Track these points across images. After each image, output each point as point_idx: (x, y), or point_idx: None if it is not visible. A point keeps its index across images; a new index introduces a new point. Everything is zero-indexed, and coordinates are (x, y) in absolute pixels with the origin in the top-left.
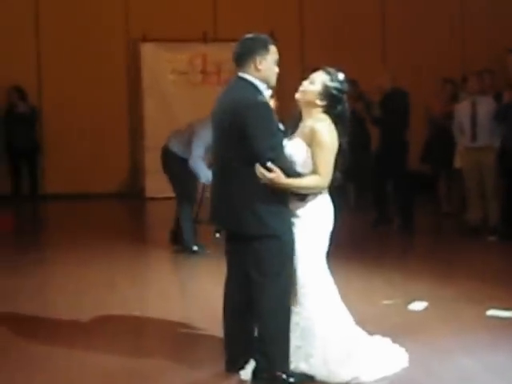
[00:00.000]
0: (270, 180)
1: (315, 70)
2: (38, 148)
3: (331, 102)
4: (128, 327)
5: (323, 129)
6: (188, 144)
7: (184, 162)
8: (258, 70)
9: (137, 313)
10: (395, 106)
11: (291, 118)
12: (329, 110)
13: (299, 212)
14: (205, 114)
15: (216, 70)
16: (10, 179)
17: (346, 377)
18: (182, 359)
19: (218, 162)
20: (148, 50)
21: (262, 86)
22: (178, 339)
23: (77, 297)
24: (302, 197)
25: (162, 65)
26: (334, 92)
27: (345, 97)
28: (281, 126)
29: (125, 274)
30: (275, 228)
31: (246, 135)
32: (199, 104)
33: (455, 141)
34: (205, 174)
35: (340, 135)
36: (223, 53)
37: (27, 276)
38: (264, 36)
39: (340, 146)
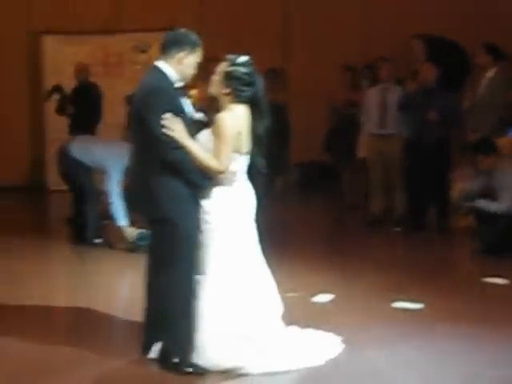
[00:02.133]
0: (174, 132)
1: (221, 61)
2: None
3: (236, 86)
4: (35, 321)
5: (223, 116)
6: (91, 152)
7: (82, 166)
8: (178, 63)
9: (43, 306)
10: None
11: (211, 111)
12: (237, 95)
13: (211, 200)
14: (106, 104)
15: (118, 62)
16: None
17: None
18: (90, 350)
19: (132, 150)
20: (49, 43)
21: (174, 77)
22: (85, 330)
23: None
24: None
25: (63, 57)
26: (236, 75)
27: (252, 78)
28: (200, 116)
29: (29, 268)
30: (170, 213)
31: (142, 119)
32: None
33: (359, 130)
34: (122, 217)
35: (255, 122)
36: (125, 44)
37: None
38: (195, 36)
39: (254, 130)
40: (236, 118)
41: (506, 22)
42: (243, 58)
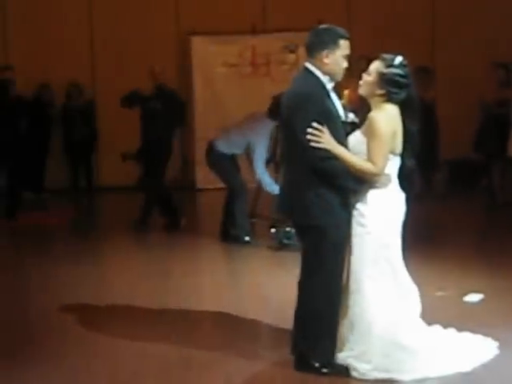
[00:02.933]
0: (322, 142)
1: (373, 59)
2: (95, 142)
3: (391, 88)
4: (184, 316)
5: (377, 117)
6: (235, 143)
7: (231, 158)
8: (324, 63)
9: (192, 302)
10: None
11: (362, 111)
12: (391, 97)
13: (367, 204)
14: (254, 105)
15: (265, 62)
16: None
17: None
18: (237, 349)
19: (284, 154)
20: (198, 44)
21: (324, 79)
22: (233, 329)
23: (132, 286)
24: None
25: (211, 58)
26: (391, 77)
27: (407, 80)
28: (352, 117)
29: (179, 264)
30: (319, 220)
31: (291, 127)
32: (249, 96)
33: (510, 128)
34: (271, 186)
35: (408, 122)
36: (272, 44)
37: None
38: (338, 29)
39: (408, 132)
40: (390, 118)
41: None
42: (399, 59)
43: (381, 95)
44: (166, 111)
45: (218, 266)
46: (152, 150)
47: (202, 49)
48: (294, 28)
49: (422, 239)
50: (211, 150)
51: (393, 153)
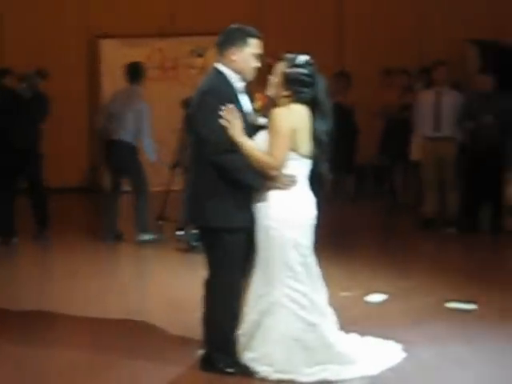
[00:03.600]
0: (230, 124)
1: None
2: None
3: (296, 88)
4: (89, 318)
5: (278, 112)
6: (135, 127)
7: (134, 150)
8: (231, 60)
9: (98, 304)
10: None
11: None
12: (297, 97)
13: (268, 207)
14: (162, 109)
15: (173, 66)
16: None
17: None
18: (144, 350)
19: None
20: (107, 46)
21: (233, 77)
22: (140, 330)
23: (36, 288)
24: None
25: (120, 61)
26: (295, 77)
27: (312, 79)
28: (264, 121)
29: (84, 266)
30: (216, 223)
31: (194, 123)
32: (157, 99)
33: (411, 132)
34: (152, 149)
35: (317, 123)
36: (180, 48)
37: None
38: (249, 29)
39: (316, 133)
40: (292, 114)
41: None
42: (302, 58)
43: (287, 96)
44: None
45: (125, 267)
46: None
47: (111, 51)
48: (202, 32)
49: (329, 241)
50: (115, 145)
51: (296, 152)
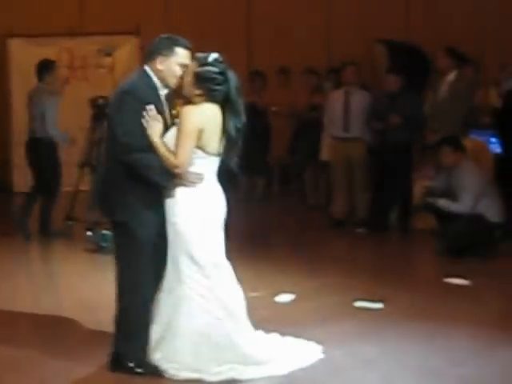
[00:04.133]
0: (149, 126)
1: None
2: None
3: (207, 86)
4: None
5: (185, 110)
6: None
7: (52, 147)
8: (157, 69)
9: (7, 304)
10: None
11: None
12: (209, 96)
13: (174, 203)
14: (71, 108)
15: (82, 65)
16: None
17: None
18: (53, 351)
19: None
20: (15, 46)
21: (158, 84)
22: (50, 331)
23: None
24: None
25: (30, 60)
26: (206, 75)
27: (223, 77)
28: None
29: None
30: (126, 217)
31: (110, 120)
32: (66, 99)
33: (321, 132)
34: (63, 137)
35: (229, 118)
36: (89, 47)
37: None
38: (179, 39)
39: (227, 131)
40: (200, 114)
41: (465, 22)
42: (212, 56)
43: (199, 95)
44: None
45: (34, 268)
46: None
47: (20, 51)
48: (111, 31)
49: (239, 241)
50: (33, 143)
51: (203, 150)
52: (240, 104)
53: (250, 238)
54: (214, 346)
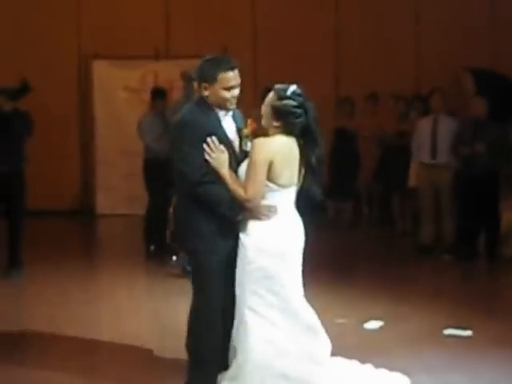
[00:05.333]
0: (213, 158)
1: (269, 90)
2: None
3: (286, 119)
4: (82, 345)
5: (256, 143)
6: None
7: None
8: (205, 92)
9: (90, 329)
10: None
11: None
12: (287, 129)
13: (245, 235)
14: None
15: (168, 88)
16: None
17: None
18: (134, 378)
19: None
20: (100, 67)
21: (216, 109)
22: (132, 357)
23: (30, 312)
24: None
25: (113, 82)
26: (284, 109)
27: (302, 110)
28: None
29: (79, 291)
30: (194, 246)
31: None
32: None
33: (409, 159)
34: None
35: (308, 149)
36: (175, 70)
37: None
38: (222, 61)
39: (307, 161)
40: (270, 146)
41: None
42: (291, 89)
43: (277, 127)
44: None
45: (118, 292)
46: None
47: (104, 72)
48: (198, 55)
49: (328, 267)
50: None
51: (275, 183)
52: (318, 134)
53: (338, 265)
54: (287, 377)
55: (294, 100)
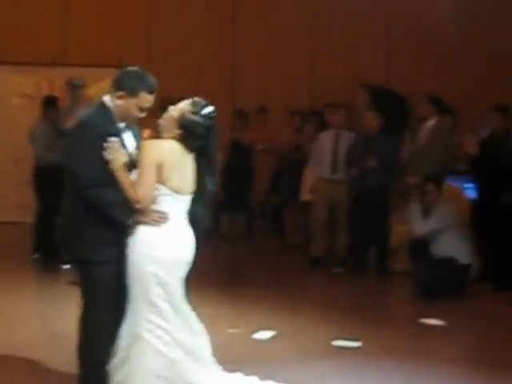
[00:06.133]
0: (112, 159)
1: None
2: None
3: (187, 134)
4: None
5: (146, 145)
6: None
7: None
8: (118, 102)
9: None
10: None
11: None
12: (185, 142)
13: (135, 243)
14: None
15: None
16: None
17: None
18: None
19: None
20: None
21: (116, 114)
22: (24, 366)
23: None
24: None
25: (9, 88)
26: (191, 125)
27: (206, 132)
28: None
29: None
30: (80, 254)
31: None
32: None
33: (303, 173)
34: None
35: (203, 172)
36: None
37: None
38: (148, 80)
39: (201, 181)
40: (159, 148)
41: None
42: (207, 110)
43: (176, 135)
44: None
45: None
46: None
47: (1, 78)
48: (93, 64)
49: (218, 278)
50: None
51: (166, 186)
52: (216, 159)
53: (229, 276)
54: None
55: (203, 121)
